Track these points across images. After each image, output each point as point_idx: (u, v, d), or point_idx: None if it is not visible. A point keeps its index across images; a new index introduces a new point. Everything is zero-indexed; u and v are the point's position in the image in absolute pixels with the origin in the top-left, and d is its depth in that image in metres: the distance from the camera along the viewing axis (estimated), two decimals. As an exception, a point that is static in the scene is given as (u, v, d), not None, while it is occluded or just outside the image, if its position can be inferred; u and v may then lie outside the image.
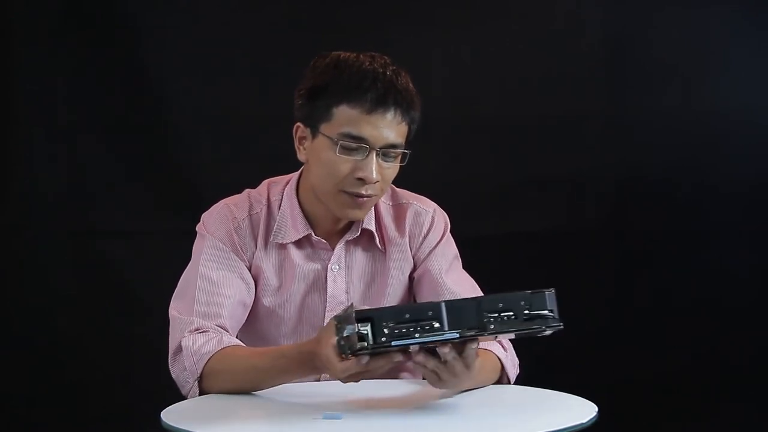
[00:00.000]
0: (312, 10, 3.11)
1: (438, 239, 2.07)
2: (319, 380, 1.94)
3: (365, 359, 1.60)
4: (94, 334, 3.10)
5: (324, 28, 3.05)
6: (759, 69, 3.15)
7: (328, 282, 2.03)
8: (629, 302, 3.17)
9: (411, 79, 1.93)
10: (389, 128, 1.89)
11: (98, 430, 3.10)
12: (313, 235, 2.02)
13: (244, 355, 1.87)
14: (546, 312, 1.59)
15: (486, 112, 3.14)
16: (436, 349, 1.62)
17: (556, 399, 1.83)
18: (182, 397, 1.88)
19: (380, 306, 1.87)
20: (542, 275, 3.03)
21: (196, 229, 2.04)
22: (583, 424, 1.60)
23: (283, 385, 1.84)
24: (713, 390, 3.13)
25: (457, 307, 1.59)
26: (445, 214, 2.12)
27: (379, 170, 1.90)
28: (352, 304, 1.58)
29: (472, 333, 1.58)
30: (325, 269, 2.03)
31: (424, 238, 2.07)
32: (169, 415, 1.68)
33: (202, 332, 1.90)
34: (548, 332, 1.62)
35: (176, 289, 2.01)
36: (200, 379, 1.86)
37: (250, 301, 2.01)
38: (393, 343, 1.55)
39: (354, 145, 1.88)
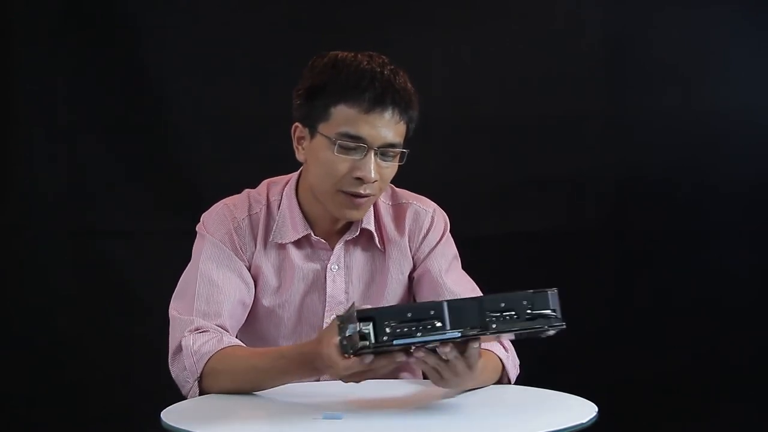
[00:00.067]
0: (312, 10, 3.11)
1: (438, 239, 2.07)
2: (319, 380, 1.94)
3: (368, 358, 1.59)
4: (94, 334, 3.10)
5: (324, 28, 3.05)
6: (759, 69, 3.15)
7: (328, 282, 2.03)
8: (629, 302, 3.17)
9: (409, 79, 1.93)
10: (387, 128, 1.89)
11: (98, 430, 3.10)
12: (313, 235, 2.02)
13: (244, 356, 1.87)
14: (548, 311, 1.59)
15: (486, 112, 3.14)
16: (437, 348, 1.62)
17: (556, 399, 1.83)
18: (182, 397, 1.88)
19: (380, 306, 1.86)
20: (542, 275, 3.01)
21: (196, 229, 2.05)
22: (583, 424, 1.60)
23: (284, 385, 1.84)
24: (713, 390, 3.13)
25: (459, 306, 1.58)
26: (445, 214, 2.12)
27: (378, 170, 1.90)
28: (354, 303, 1.58)
29: (474, 332, 1.58)
30: (325, 269, 2.03)
31: (424, 237, 2.07)
32: (169, 415, 1.68)
33: (203, 332, 1.90)
34: (551, 332, 1.62)
35: (176, 289, 2.01)
36: (200, 379, 1.86)
37: (249, 301, 2.01)
38: (395, 342, 1.55)
39: (352, 144, 1.89)
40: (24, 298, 3.11)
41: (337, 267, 2.03)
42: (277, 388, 1.84)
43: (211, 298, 1.95)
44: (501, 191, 3.14)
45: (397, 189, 2.10)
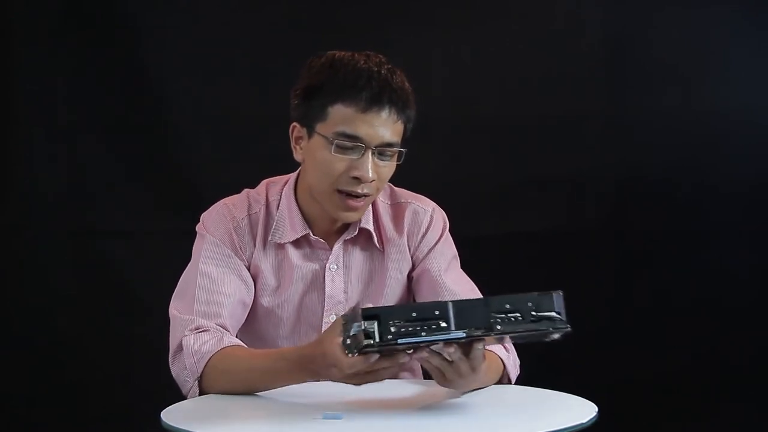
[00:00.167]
0: (312, 10, 3.11)
1: (437, 238, 2.07)
2: (318, 381, 1.94)
3: (372, 357, 1.59)
4: (94, 334, 3.10)
5: (324, 28, 3.05)
6: (759, 69, 3.15)
7: (326, 282, 2.03)
8: (629, 302, 3.17)
9: (407, 78, 1.93)
10: (384, 127, 1.89)
11: (98, 430, 3.10)
12: (311, 234, 2.02)
13: (244, 356, 1.87)
14: (553, 314, 1.59)
15: (486, 112, 3.14)
16: (441, 349, 1.62)
17: (556, 399, 1.83)
18: (182, 397, 1.88)
19: (378, 305, 1.86)
20: (542, 275, 3.05)
21: (196, 229, 2.05)
22: (583, 424, 1.60)
23: (284, 385, 1.84)
24: (713, 390, 3.13)
25: (464, 307, 1.58)
26: (444, 213, 2.12)
27: (375, 169, 1.90)
28: (359, 302, 1.58)
29: (479, 333, 1.57)
30: (323, 269, 2.03)
31: (423, 237, 2.07)
32: (169, 415, 1.68)
33: (203, 331, 1.90)
34: (556, 336, 1.61)
35: (176, 288, 2.01)
36: (200, 379, 1.86)
37: (249, 300, 2.01)
38: (399, 341, 1.55)
39: (349, 144, 1.89)
40: (24, 298, 3.11)
41: (335, 267, 2.03)
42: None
43: (211, 297, 1.95)
44: (501, 191, 3.14)
45: (396, 188, 2.10)
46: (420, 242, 2.07)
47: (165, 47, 3.09)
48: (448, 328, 1.56)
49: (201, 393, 1.87)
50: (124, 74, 3.09)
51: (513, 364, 1.94)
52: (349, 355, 1.58)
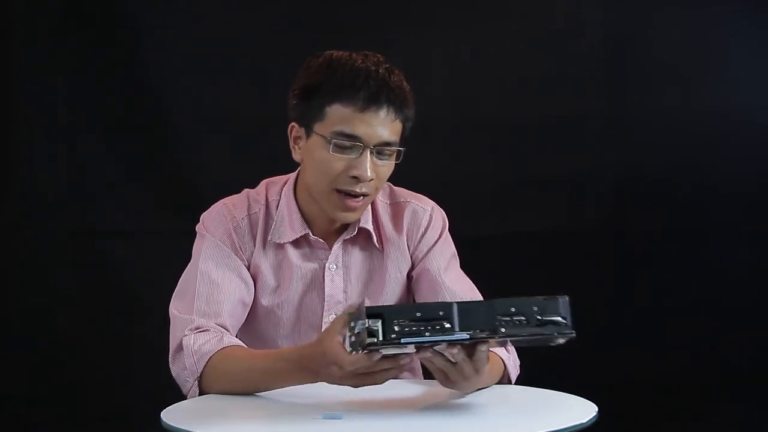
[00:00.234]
0: (312, 10, 3.11)
1: (436, 237, 2.07)
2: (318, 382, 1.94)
3: (375, 356, 1.59)
4: (94, 334, 3.10)
5: (324, 28, 3.05)
6: (759, 69, 3.15)
7: (326, 281, 2.03)
8: (629, 302, 3.17)
9: (405, 78, 1.93)
10: (383, 126, 1.89)
11: (98, 430, 3.10)
12: (311, 234, 2.02)
13: (244, 357, 1.87)
14: (558, 318, 1.58)
15: (486, 112, 3.14)
16: (444, 350, 1.62)
17: (556, 399, 1.83)
18: (182, 397, 1.88)
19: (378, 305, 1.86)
20: (542, 275, 3.05)
21: (196, 229, 2.05)
22: (583, 424, 1.60)
23: (284, 385, 1.84)
24: (713, 390, 3.13)
25: (469, 308, 1.58)
26: (443, 213, 2.12)
27: (374, 168, 1.90)
28: (363, 300, 1.58)
29: (483, 335, 1.57)
30: (323, 269, 2.03)
31: (422, 236, 2.07)
32: (169, 415, 1.68)
33: (203, 331, 1.90)
34: (561, 341, 1.61)
35: (176, 288, 2.01)
36: (200, 379, 1.86)
37: (249, 300, 2.01)
38: (402, 341, 1.55)
39: (348, 143, 1.89)
40: (24, 298, 3.11)
41: (335, 266, 2.03)
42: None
43: (211, 297, 1.95)
44: (501, 191, 3.14)
45: (395, 188, 2.10)
46: (419, 241, 2.07)
47: (165, 47, 3.09)
48: (452, 329, 1.56)
49: (201, 393, 1.87)
50: (124, 74, 3.09)
51: (513, 365, 1.94)
52: (353, 352, 1.58)
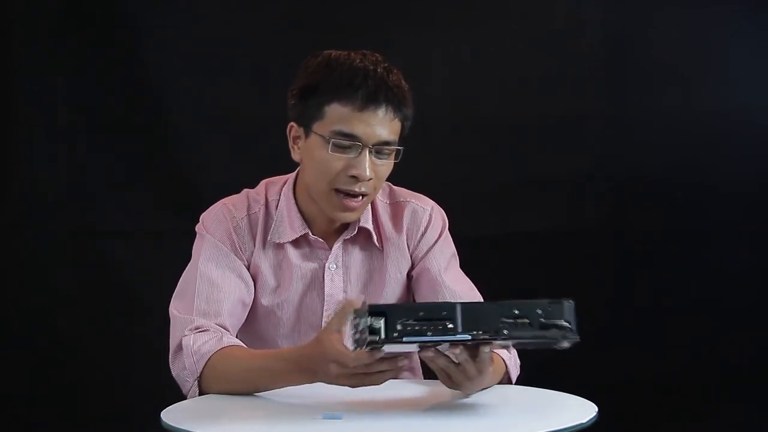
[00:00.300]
0: (312, 10, 3.11)
1: (436, 237, 2.07)
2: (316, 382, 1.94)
3: (376, 354, 1.59)
4: (94, 334, 3.10)
5: (324, 28, 3.05)
6: (759, 69, 3.15)
7: (326, 281, 2.03)
8: (629, 302, 3.17)
9: (404, 77, 1.93)
10: (381, 125, 1.89)
11: (98, 430, 3.10)
12: (310, 234, 2.02)
13: (243, 356, 1.87)
14: (563, 323, 1.57)
15: (486, 112, 3.14)
16: (447, 350, 1.62)
17: (556, 399, 1.83)
18: (182, 397, 1.88)
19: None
20: (542, 275, 3.06)
21: (196, 229, 2.05)
22: (583, 424, 1.60)
23: (283, 385, 1.84)
24: (713, 390, 3.13)
25: (472, 309, 1.58)
26: (443, 212, 2.12)
27: (372, 167, 1.90)
28: (365, 298, 1.58)
29: (485, 337, 1.57)
30: (323, 268, 2.03)
31: (422, 236, 2.07)
32: (169, 415, 1.68)
33: (203, 331, 1.90)
34: (566, 345, 1.60)
35: (176, 288, 2.01)
36: (200, 379, 1.86)
37: (249, 300, 2.01)
38: (404, 339, 1.55)
39: (346, 142, 1.89)
40: (24, 298, 3.11)
41: (335, 266, 2.03)
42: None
43: (211, 297, 1.95)
44: (501, 191, 3.14)
45: (395, 187, 2.10)
46: (419, 241, 2.07)
47: (165, 47, 3.09)
48: (454, 330, 1.56)
49: (201, 393, 1.86)
50: (124, 74, 3.09)
51: (514, 365, 1.94)
52: (356, 350, 1.58)
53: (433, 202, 2.11)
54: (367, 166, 1.89)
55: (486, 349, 1.63)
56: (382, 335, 1.54)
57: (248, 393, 1.83)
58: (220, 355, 1.86)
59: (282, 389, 1.82)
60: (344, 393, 1.72)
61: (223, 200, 2.06)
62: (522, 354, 1.96)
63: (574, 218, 3.17)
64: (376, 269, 2.05)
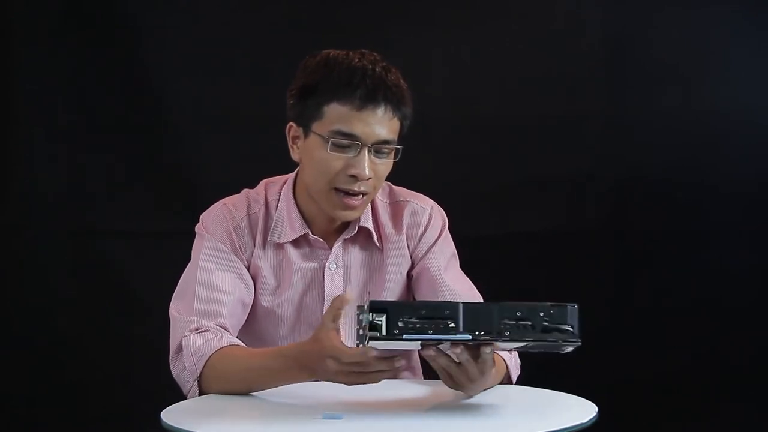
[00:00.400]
0: (312, 10, 3.11)
1: (436, 237, 2.07)
2: (318, 380, 1.94)
3: (371, 352, 1.59)
4: (94, 334, 3.10)
5: (324, 28, 3.05)
6: (759, 69, 3.15)
7: (326, 281, 2.03)
8: (629, 302, 3.17)
9: (402, 76, 1.93)
10: (380, 124, 1.89)
11: (98, 430, 3.10)
12: (310, 234, 2.02)
13: (242, 355, 1.87)
14: (565, 326, 1.57)
15: (486, 112, 3.14)
16: (447, 349, 1.62)
17: (556, 399, 1.83)
18: (182, 397, 1.88)
19: None
20: (542, 275, 3.06)
21: (195, 229, 2.05)
22: (583, 424, 1.60)
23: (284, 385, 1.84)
24: (713, 390, 3.13)
25: (474, 309, 1.58)
26: (443, 212, 2.12)
27: (372, 166, 1.90)
28: (369, 293, 1.58)
29: (486, 338, 1.57)
30: (323, 268, 2.03)
31: (422, 235, 2.07)
32: (169, 415, 1.68)
33: (203, 332, 1.90)
34: (569, 349, 1.61)
35: (176, 289, 2.01)
36: (199, 379, 1.86)
37: (249, 300, 2.01)
38: (405, 337, 1.55)
39: (345, 142, 1.89)
40: (24, 298, 3.11)
41: (335, 266, 2.03)
42: (277, 388, 1.83)
43: (210, 297, 1.95)
44: (501, 191, 3.14)
45: (395, 187, 2.10)
46: (419, 241, 2.07)
47: (165, 47, 3.09)
48: (455, 329, 1.56)
49: (201, 393, 1.86)
50: (124, 74, 3.09)
51: (514, 365, 1.95)
52: (359, 345, 1.58)
53: (433, 202, 2.11)
54: (366, 165, 1.89)
55: (487, 350, 1.63)
56: (383, 332, 1.54)
57: (248, 392, 1.83)
58: (220, 355, 1.86)
59: (282, 389, 1.82)
60: (344, 393, 1.72)
61: (222, 200, 2.06)
62: (522, 354, 1.96)
63: (574, 218, 3.17)
64: (376, 269, 2.05)
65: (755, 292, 3.14)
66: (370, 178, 1.91)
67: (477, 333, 1.56)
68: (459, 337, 1.56)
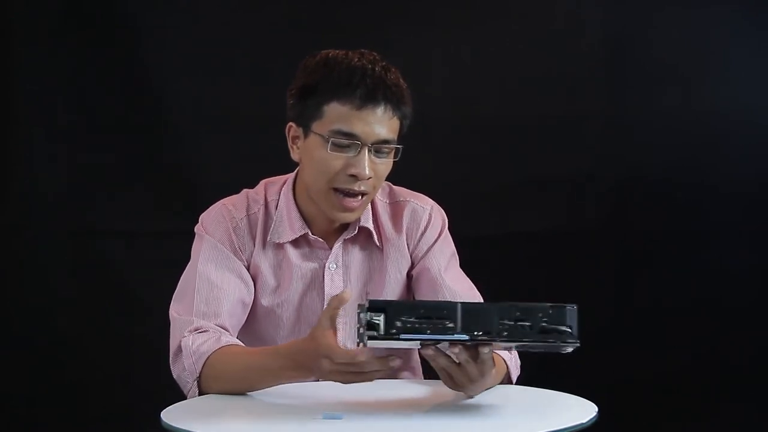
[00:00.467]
0: (312, 10, 3.11)
1: (436, 236, 2.07)
2: (318, 380, 1.94)
3: (360, 356, 1.59)
4: (94, 334, 3.10)
5: (324, 28, 3.05)
6: (759, 69, 3.15)
7: (326, 281, 2.03)
8: (629, 302, 3.17)
9: (402, 75, 1.93)
10: (380, 124, 1.89)
11: (98, 430, 3.10)
12: (310, 234, 2.02)
13: (241, 354, 1.87)
14: (564, 328, 1.57)
15: (486, 112, 3.14)
16: (446, 349, 1.62)
17: (556, 399, 1.83)
18: (182, 397, 1.88)
19: None
20: (542, 275, 3.06)
21: (195, 230, 2.04)
22: (583, 424, 1.60)
23: (284, 385, 1.84)
24: (713, 390, 3.13)
25: (473, 309, 1.58)
26: (443, 212, 2.12)
27: (372, 166, 1.90)
28: (368, 292, 1.58)
29: (484, 338, 1.57)
30: (323, 268, 2.03)
31: (422, 235, 2.07)
32: (169, 415, 1.68)
33: (202, 332, 1.90)
34: (569, 349, 1.60)
35: (176, 291, 2.01)
36: (199, 379, 1.86)
37: (249, 300, 2.01)
38: (402, 337, 1.55)
39: (345, 141, 1.89)
40: (24, 298, 3.11)
41: (335, 266, 2.03)
42: (277, 388, 1.83)
43: (210, 298, 1.95)
44: (501, 191, 3.14)
45: (395, 187, 2.10)
46: (419, 241, 2.07)
47: (165, 47, 3.09)
48: (453, 330, 1.56)
49: (200, 393, 1.86)
50: (124, 74, 3.09)
51: (514, 365, 1.95)
52: (360, 344, 1.58)
53: (433, 202, 2.11)
54: (366, 164, 1.89)
55: (485, 350, 1.63)
56: (381, 331, 1.54)
57: (247, 391, 1.83)
58: (219, 355, 1.86)
59: (282, 389, 1.82)
60: (344, 393, 1.72)
61: (222, 201, 2.06)
62: (522, 354, 1.96)
63: (574, 218, 3.17)
64: (376, 269, 2.05)
65: (755, 292, 3.14)
66: (370, 178, 1.91)
67: (475, 333, 1.56)
68: (456, 337, 1.56)
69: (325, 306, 2.00)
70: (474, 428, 1.64)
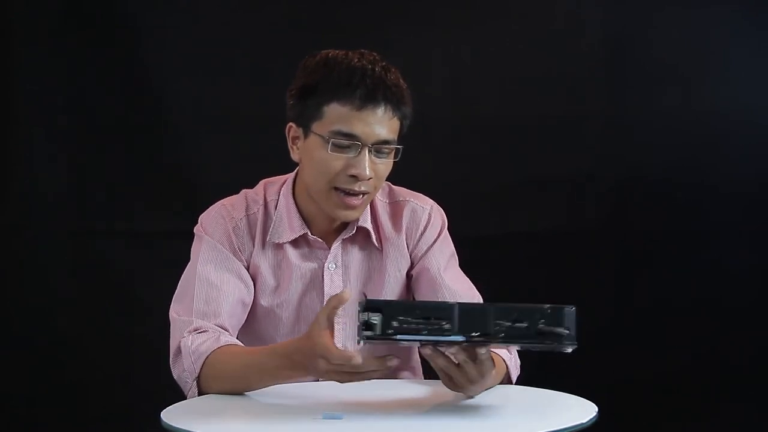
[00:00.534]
0: (312, 10, 3.11)
1: (435, 236, 2.07)
2: (318, 380, 1.94)
3: (356, 358, 1.60)
4: (94, 334, 3.10)
5: (324, 28, 3.05)
6: (759, 69, 3.15)
7: (325, 281, 2.03)
8: (629, 302, 3.17)
9: (402, 75, 1.93)
10: (380, 124, 1.89)
11: (98, 430, 3.10)
12: (309, 234, 2.02)
13: (239, 353, 1.87)
14: (561, 329, 1.56)
15: (486, 112, 3.14)
16: (444, 349, 1.62)
17: (556, 399, 1.83)
18: (182, 397, 1.88)
19: None
20: (542, 275, 3.06)
21: (194, 230, 2.04)
22: (583, 424, 1.60)
23: (284, 385, 1.84)
24: (713, 390, 3.13)
25: (470, 310, 1.57)
26: (443, 211, 2.12)
27: (372, 166, 1.90)
28: (365, 294, 1.58)
29: (481, 339, 1.57)
30: (322, 268, 2.03)
31: (421, 235, 2.07)
32: (169, 415, 1.68)
33: (201, 332, 1.90)
34: (569, 350, 1.60)
35: (176, 291, 2.01)
36: (198, 379, 1.86)
37: (249, 300, 2.01)
38: (398, 337, 1.55)
39: (346, 142, 1.89)
40: (24, 298, 3.11)
41: (334, 266, 2.03)
42: (277, 388, 1.83)
43: (209, 298, 1.94)
44: (501, 191, 3.14)
45: (395, 187, 2.10)
46: (418, 240, 2.07)
47: (165, 47, 3.09)
48: (450, 330, 1.56)
49: (200, 393, 1.86)
50: (124, 74, 3.09)
51: (514, 365, 1.95)
52: (360, 342, 1.58)
53: (433, 201, 2.11)
54: (366, 165, 1.89)
55: (482, 350, 1.63)
56: (378, 331, 1.54)
57: (246, 390, 1.83)
58: (218, 354, 1.86)
59: (282, 389, 1.82)
60: (344, 393, 1.72)
61: (221, 201, 2.06)
62: (522, 354, 1.96)
63: (574, 218, 3.17)
64: (376, 269, 2.05)
65: (755, 292, 3.14)
66: (370, 178, 1.91)
67: (471, 334, 1.56)
68: (453, 338, 1.56)
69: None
70: (474, 428, 1.64)
